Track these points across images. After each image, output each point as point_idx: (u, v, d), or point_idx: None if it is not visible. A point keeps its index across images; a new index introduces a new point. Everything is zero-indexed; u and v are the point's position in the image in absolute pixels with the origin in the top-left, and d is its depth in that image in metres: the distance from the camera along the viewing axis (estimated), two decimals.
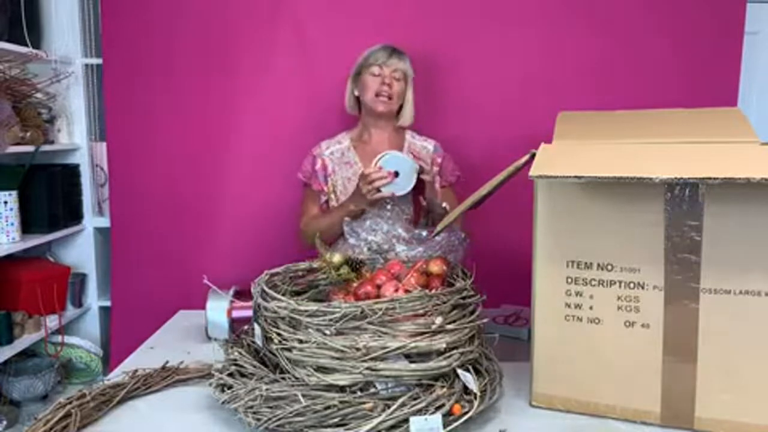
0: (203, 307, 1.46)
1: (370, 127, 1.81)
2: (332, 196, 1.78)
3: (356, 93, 1.80)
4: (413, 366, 1.02)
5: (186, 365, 1.29)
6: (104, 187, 2.47)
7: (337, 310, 1.02)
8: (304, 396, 1.01)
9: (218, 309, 1.45)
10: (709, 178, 0.92)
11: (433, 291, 1.08)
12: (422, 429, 0.97)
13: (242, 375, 1.13)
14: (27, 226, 2.24)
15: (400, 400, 1.00)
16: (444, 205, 1.65)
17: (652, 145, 1.08)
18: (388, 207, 1.68)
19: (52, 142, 2.34)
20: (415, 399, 1.01)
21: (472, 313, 1.12)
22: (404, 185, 1.60)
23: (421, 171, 1.61)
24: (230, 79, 2.22)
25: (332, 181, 1.79)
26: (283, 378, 1.07)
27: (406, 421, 0.98)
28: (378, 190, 1.57)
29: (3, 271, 2.22)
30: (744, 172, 0.90)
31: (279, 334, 1.07)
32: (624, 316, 1.07)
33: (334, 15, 2.18)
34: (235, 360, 1.16)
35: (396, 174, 1.58)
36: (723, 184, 0.92)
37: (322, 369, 1.03)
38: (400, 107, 1.81)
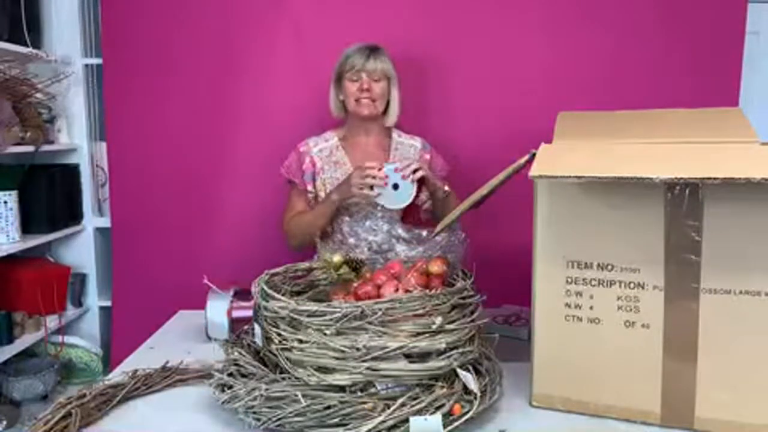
0: (203, 307, 1.46)
1: (356, 128, 1.80)
2: (321, 195, 1.77)
3: (341, 97, 1.78)
4: (413, 366, 1.02)
5: (186, 365, 1.29)
6: (104, 187, 2.47)
7: (337, 310, 1.02)
8: (304, 396, 1.01)
9: (218, 309, 1.45)
10: (709, 178, 0.92)
11: (433, 291, 1.08)
12: (422, 429, 0.97)
13: (242, 375, 1.13)
14: (27, 226, 2.24)
15: (400, 400, 1.00)
16: (445, 188, 1.64)
17: (652, 145, 1.08)
18: (379, 207, 1.69)
19: (52, 142, 2.34)
20: (415, 399, 1.01)
21: (472, 313, 1.12)
22: (393, 201, 1.60)
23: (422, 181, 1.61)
24: (230, 79, 2.22)
25: (321, 180, 1.78)
26: (283, 378, 1.07)
27: (406, 421, 0.98)
28: (370, 188, 1.57)
29: (3, 271, 2.22)
30: (744, 172, 0.90)
31: (279, 334, 1.07)
32: (624, 316, 1.07)
33: (333, 15, 2.18)
34: (235, 360, 1.16)
35: (395, 186, 1.57)
36: (723, 184, 0.92)
37: (322, 369, 1.03)
38: (387, 106, 1.79)
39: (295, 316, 1.05)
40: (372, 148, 1.79)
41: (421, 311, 1.04)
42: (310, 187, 1.78)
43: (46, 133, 2.29)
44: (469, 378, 1.05)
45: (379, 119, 1.79)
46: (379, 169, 1.57)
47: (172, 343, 1.48)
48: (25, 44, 2.21)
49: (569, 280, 1.09)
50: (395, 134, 1.85)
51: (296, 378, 1.05)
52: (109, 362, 2.39)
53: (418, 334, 1.03)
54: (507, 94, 2.18)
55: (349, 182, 1.60)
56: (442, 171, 1.86)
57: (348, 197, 1.63)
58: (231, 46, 2.21)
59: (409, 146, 1.84)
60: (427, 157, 1.84)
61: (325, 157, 1.79)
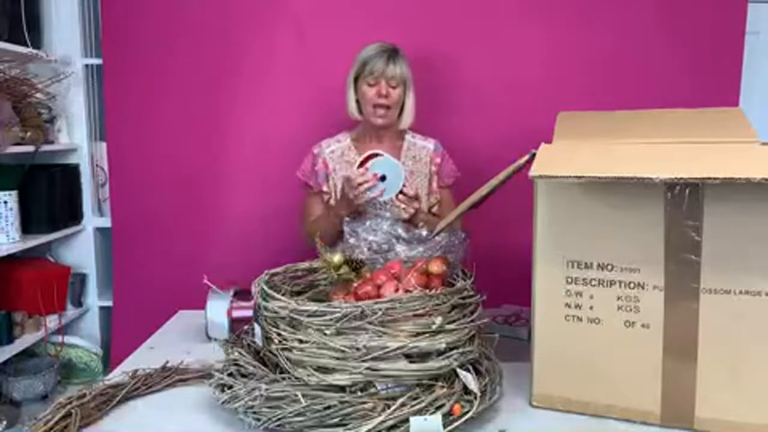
0: (203, 307, 1.46)
1: (370, 131, 1.80)
2: (334, 194, 1.78)
3: (356, 97, 1.77)
4: (413, 366, 1.02)
5: (186, 365, 1.29)
6: (104, 187, 2.47)
7: (337, 310, 1.02)
8: (304, 396, 1.01)
9: (218, 309, 1.45)
10: (709, 178, 0.92)
11: (433, 291, 1.08)
12: (422, 429, 0.97)
13: (242, 375, 1.13)
14: (27, 226, 2.24)
15: (400, 400, 1.00)
16: (420, 225, 1.63)
17: (652, 145, 1.08)
18: (388, 206, 1.68)
19: (52, 142, 2.34)
20: (415, 399, 1.01)
21: (472, 313, 1.12)
22: (391, 189, 1.58)
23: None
24: (230, 79, 2.22)
25: (333, 180, 1.78)
26: (283, 378, 1.07)
27: (406, 421, 0.98)
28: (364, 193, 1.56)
29: (3, 271, 2.22)
30: (744, 172, 0.90)
31: (279, 334, 1.07)
32: (624, 316, 1.07)
33: (334, 15, 2.18)
34: (235, 360, 1.16)
35: (383, 178, 1.57)
36: (723, 184, 0.92)
37: (322, 369, 1.03)
38: (401, 109, 1.78)
39: (295, 316, 1.05)
40: (384, 150, 1.79)
41: (421, 311, 1.04)
42: (324, 188, 1.79)
43: (46, 133, 2.29)
44: (469, 378, 1.05)
45: (392, 124, 1.79)
46: (364, 171, 1.55)
47: (172, 343, 1.48)
48: (25, 44, 2.21)
49: (569, 280, 1.09)
50: (409, 135, 1.84)
51: (296, 378, 1.05)
52: (109, 362, 2.39)
53: (418, 334, 1.03)
54: (507, 94, 2.19)
55: (347, 197, 1.58)
56: (450, 177, 1.85)
57: (355, 209, 1.61)
58: (231, 46, 2.21)
59: (421, 148, 1.83)
60: (438, 160, 1.83)
61: (337, 158, 1.79)
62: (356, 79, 1.75)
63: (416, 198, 1.61)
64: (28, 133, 2.16)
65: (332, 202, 1.78)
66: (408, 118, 1.78)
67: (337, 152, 1.80)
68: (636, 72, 2.16)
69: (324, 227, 1.69)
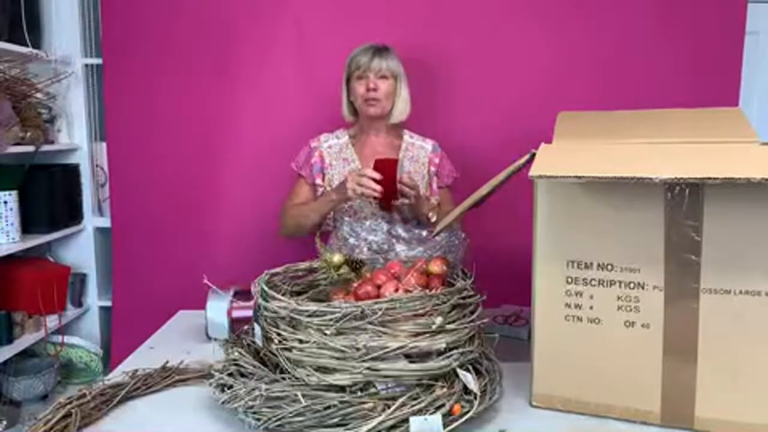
0: (203, 307, 1.46)
1: (366, 128, 1.81)
2: (328, 188, 1.78)
3: (351, 98, 1.79)
4: (413, 366, 1.02)
5: (186, 365, 1.29)
6: (104, 187, 2.47)
7: (337, 310, 1.02)
8: (304, 396, 1.01)
9: (218, 309, 1.45)
10: (709, 178, 0.92)
11: (433, 291, 1.08)
12: (422, 429, 0.97)
13: (242, 375, 1.13)
14: (27, 226, 2.24)
15: (400, 400, 1.00)
16: (430, 215, 1.63)
17: (652, 145, 1.08)
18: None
19: (52, 142, 2.34)
20: (415, 399, 1.01)
21: (472, 313, 1.12)
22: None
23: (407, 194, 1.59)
24: (230, 78, 2.22)
25: (329, 175, 1.78)
26: (283, 378, 1.07)
27: (406, 421, 0.98)
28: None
29: (3, 271, 2.22)
30: (744, 172, 0.90)
31: (279, 334, 1.07)
32: (624, 316, 1.07)
33: (334, 13, 2.18)
34: (235, 360, 1.16)
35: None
36: (723, 184, 0.92)
37: (322, 369, 1.03)
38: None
39: (295, 316, 1.05)
40: (382, 148, 1.80)
41: (421, 311, 1.04)
42: (318, 181, 1.79)
43: (46, 133, 2.29)
44: (469, 378, 1.05)
45: (387, 118, 1.79)
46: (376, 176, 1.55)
47: (172, 343, 1.48)
48: (25, 44, 2.21)
49: (569, 280, 1.09)
50: (407, 135, 1.85)
51: (296, 378, 1.05)
52: (109, 362, 2.39)
53: (418, 334, 1.03)
54: (507, 95, 2.19)
55: (346, 185, 1.59)
56: (450, 177, 1.86)
57: (345, 199, 1.62)
58: (231, 46, 2.21)
59: (419, 148, 1.83)
60: (436, 161, 1.83)
61: (335, 153, 1.80)
62: (348, 81, 1.77)
63: (415, 187, 1.60)
64: (28, 133, 2.16)
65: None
66: (400, 111, 1.77)
67: (334, 148, 1.80)
68: (636, 72, 2.16)
69: (305, 212, 1.72)
